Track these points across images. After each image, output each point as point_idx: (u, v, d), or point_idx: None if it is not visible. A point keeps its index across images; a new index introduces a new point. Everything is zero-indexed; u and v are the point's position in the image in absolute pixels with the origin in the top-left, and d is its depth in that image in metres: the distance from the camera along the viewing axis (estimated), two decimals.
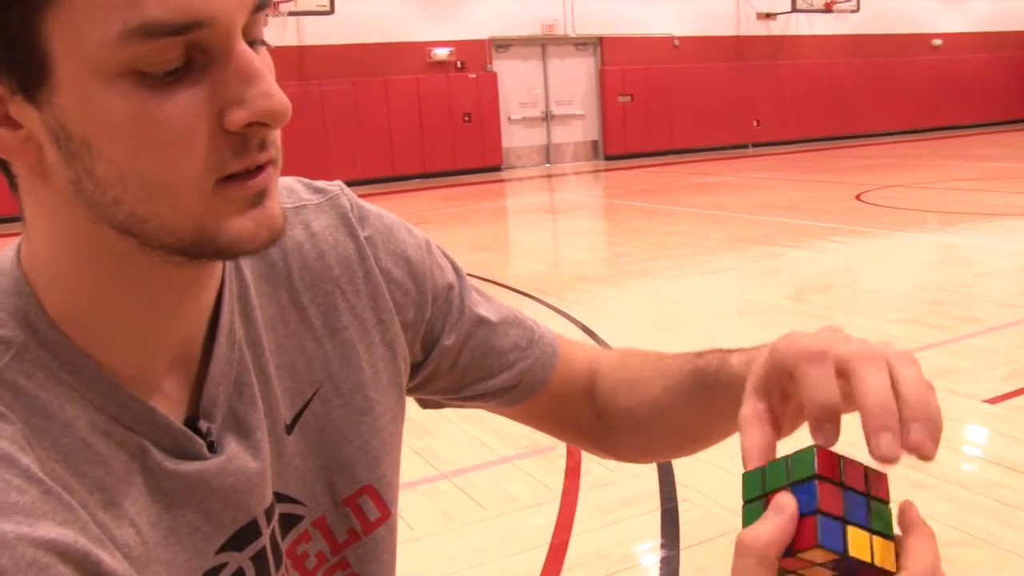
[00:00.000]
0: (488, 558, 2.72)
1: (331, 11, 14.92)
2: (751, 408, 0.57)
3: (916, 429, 0.50)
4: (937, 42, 21.88)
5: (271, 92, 0.54)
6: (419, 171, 16.48)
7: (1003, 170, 12.77)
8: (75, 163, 0.54)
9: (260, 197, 0.57)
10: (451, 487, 3.25)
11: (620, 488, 3.12)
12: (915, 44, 21.58)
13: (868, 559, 0.47)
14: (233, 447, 0.66)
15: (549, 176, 16.47)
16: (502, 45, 17.29)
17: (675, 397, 0.81)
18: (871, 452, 0.49)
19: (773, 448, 0.56)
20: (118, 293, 0.60)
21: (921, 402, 0.51)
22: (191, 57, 0.52)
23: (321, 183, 0.80)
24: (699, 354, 0.80)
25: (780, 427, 0.58)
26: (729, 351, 0.76)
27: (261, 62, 0.55)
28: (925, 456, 0.50)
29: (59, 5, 0.49)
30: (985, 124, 22.08)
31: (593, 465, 3.33)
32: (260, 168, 0.57)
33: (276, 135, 0.58)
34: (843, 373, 0.54)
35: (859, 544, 0.47)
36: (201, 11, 0.50)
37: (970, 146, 17.24)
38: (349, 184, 0.83)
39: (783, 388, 0.58)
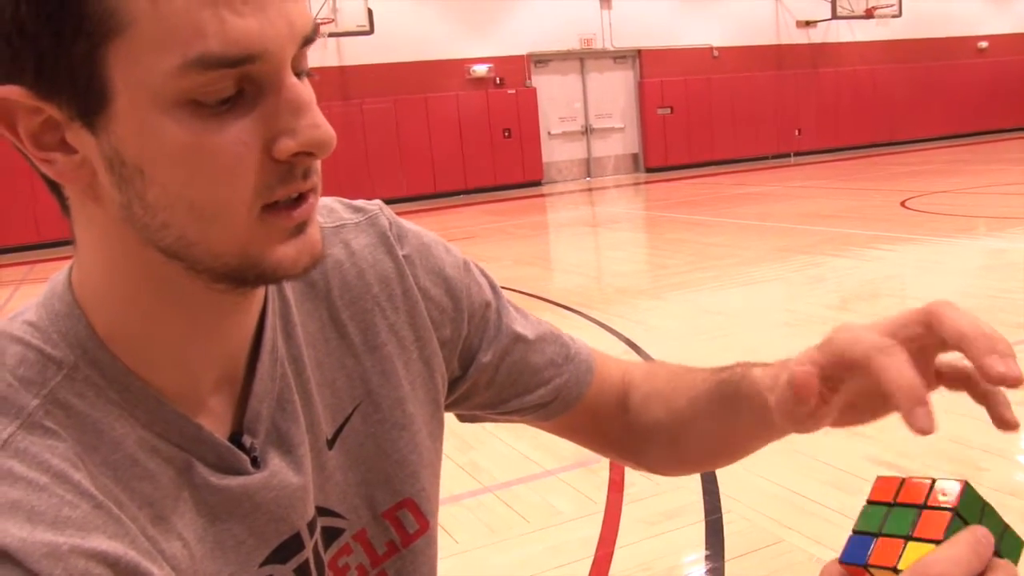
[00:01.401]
0: (532, 570, 2.72)
1: (371, 31, 15.09)
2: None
3: (1012, 364, 0.51)
4: (983, 44, 21.53)
5: (319, 123, 0.57)
6: (460, 187, 16.57)
7: None
8: (127, 188, 0.56)
9: (302, 226, 0.60)
10: (495, 501, 3.26)
11: (664, 500, 3.11)
12: (960, 47, 21.26)
13: (893, 563, 0.48)
14: (276, 462, 0.68)
15: (590, 190, 16.46)
16: (541, 60, 17.35)
17: (700, 410, 0.82)
18: (987, 374, 0.50)
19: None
20: (164, 315, 0.62)
21: (1004, 340, 0.53)
22: (242, 88, 0.55)
23: (360, 202, 0.82)
24: (722, 368, 0.80)
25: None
26: (749, 366, 0.76)
27: (309, 94, 0.58)
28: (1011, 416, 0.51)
29: (122, 37, 0.52)
30: None
31: (637, 478, 3.32)
32: (303, 197, 0.59)
33: (317, 164, 0.60)
34: (924, 326, 0.56)
35: (886, 552, 0.48)
36: (255, 45, 0.53)
37: (1019, 149, 16.92)
38: (392, 202, 0.85)
39: (834, 378, 0.59)
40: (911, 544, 0.48)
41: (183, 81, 0.52)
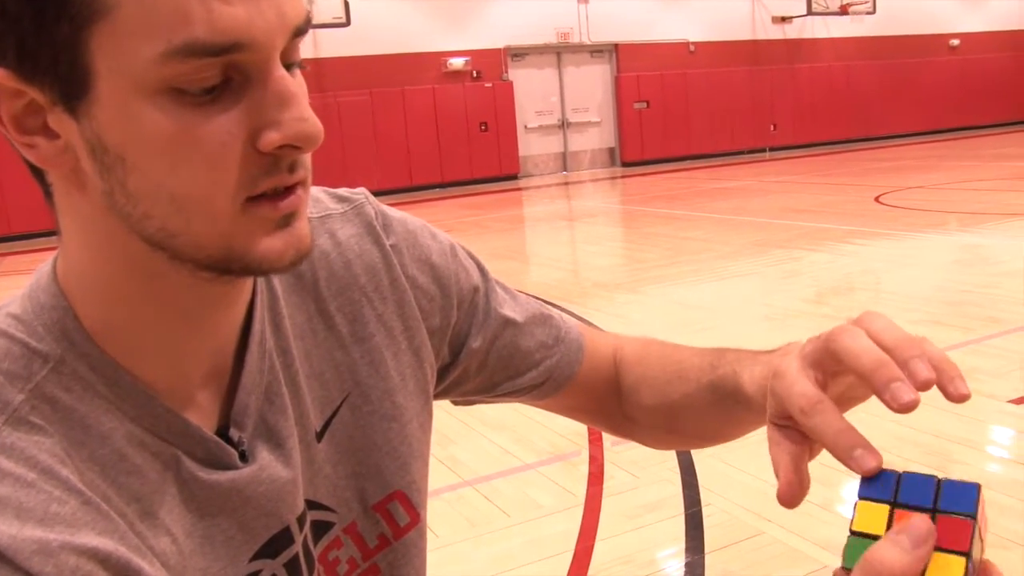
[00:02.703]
0: (513, 564, 2.72)
1: (347, 23, 15.01)
2: (774, 438, 0.57)
3: (918, 365, 0.49)
4: (955, 42, 21.75)
5: (305, 116, 0.55)
6: (436, 181, 16.52)
7: None
8: (109, 176, 0.55)
9: (289, 218, 0.58)
10: (475, 494, 3.26)
11: (644, 493, 3.12)
12: (933, 45, 21.46)
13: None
14: (264, 456, 0.67)
15: (566, 183, 16.48)
16: (517, 54, 17.33)
17: (695, 404, 0.82)
18: (890, 407, 0.49)
19: (804, 459, 0.56)
20: (151, 306, 0.61)
21: (907, 342, 0.51)
22: (228, 77, 0.53)
23: (345, 191, 0.81)
24: (715, 365, 0.79)
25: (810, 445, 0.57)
26: (740, 366, 0.75)
27: (297, 86, 0.56)
28: (953, 390, 0.49)
29: (106, 21, 0.50)
30: (1005, 124, 21.92)
31: (616, 471, 3.33)
32: (289, 189, 0.58)
33: (307, 157, 0.58)
34: (833, 360, 0.54)
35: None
36: (243, 34, 0.52)
37: (990, 146, 17.11)
38: None
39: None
40: (935, 554, 0.45)
41: (166, 68, 0.51)
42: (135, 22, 0.50)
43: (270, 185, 0.56)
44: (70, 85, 0.52)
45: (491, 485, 3.34)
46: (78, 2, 0.50)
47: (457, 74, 16.68)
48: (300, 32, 0.56)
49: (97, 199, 0.56)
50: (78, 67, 0.52)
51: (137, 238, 0.57)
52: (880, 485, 0.48)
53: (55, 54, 0.51)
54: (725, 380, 0.76)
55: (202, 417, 0.65)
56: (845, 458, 0.50)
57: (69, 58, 0.51)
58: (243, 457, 0.66)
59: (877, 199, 10.64)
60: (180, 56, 0.51)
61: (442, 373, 0.84)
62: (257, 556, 0.66)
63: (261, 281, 0.70)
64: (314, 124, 0.56)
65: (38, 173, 0.59)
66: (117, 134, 0.53)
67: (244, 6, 0.51)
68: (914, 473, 0.48)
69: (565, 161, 18.34)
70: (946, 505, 0.47)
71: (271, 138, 0.54)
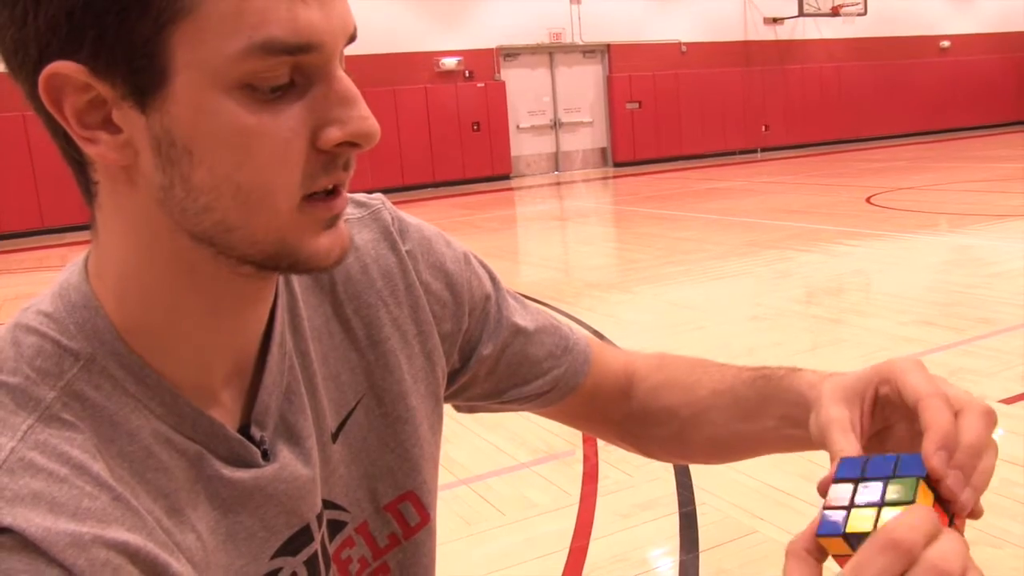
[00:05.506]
0: (508, 563, 2.74)
1: None
2: (836, 412, 0.62)
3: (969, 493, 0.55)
4: (945, 44, 21.85)
5: (366, 115, 0.58)
6: (428, 180, 16.53)
7: (1014, 171, 12.74)
8: (172, 169, 0.56)
9: (335, 219, 0.61)
10: (470, 493, 3.27)
11: (638, 492, 3.14)
12: (923, 46, 21.56)
13: (870, 529, 0.51)
14: (285, 455, 0.69)
15: (558, 184, 16.49)
16: (510, 54, 17.35)
17: (723, 401, 0.83)
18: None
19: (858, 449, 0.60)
20: (186, 303, 0.62)
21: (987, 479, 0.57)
22: (293, 78, 0.56)
23: (362, 196, 0.83)
24: (759, 367, 0.83)
25: (863, 435, 0.62)
26: (795, 368, 0.78)
27: (356, 87, 0.59)
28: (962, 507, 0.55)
29: (190, 19, 0.52)
30: (995, 125, 22.03)
31: (610, 470, 3.35)
32: (337, 191, 0.61)
33: (354, 159, 0.61)
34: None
35: (861, 521, 0.52)
36: (314, 35, 0.55)
37: (980, 147, 17.20)
38: None
39: (875, 401, 0.63)
40: (885, 509, 0.52)
41: (245, 64, 0.53)
42: (220, 19, 0.53)
43: (328, 182, 0.59)
44: (145, 79, 0.54)
45: (486, 484, 3.35)
46: (165, 2, 0.52)
47: (449, 74, 16.69)
48: (352, 39, 0.60)
49: (148, 194, 0.58)
50: (156, 62, 0.53)
51: (184, 235, 0.59)
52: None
53: (133, 49, 0.53)
54: (775, 372, 0.79)
55: (225, 415, 0.67)
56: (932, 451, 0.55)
57: (147, 53, 0.53)
58: (265, 456, 0.68)
59: (868, 200, 10.69)
60: (259, 53, 0.53)
61: (451, 378, 0.86)
62: (278, 554, 0.68)
63: (281, 283, 0.72)
64: (375, 123, 0.59)
65: (82, 172, 0.60)
66: (188, 128, 0.55)
67: (319, 11, 0.55)
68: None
69: (557, 161, 18.37)
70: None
71: (333, 135, 0.57)
